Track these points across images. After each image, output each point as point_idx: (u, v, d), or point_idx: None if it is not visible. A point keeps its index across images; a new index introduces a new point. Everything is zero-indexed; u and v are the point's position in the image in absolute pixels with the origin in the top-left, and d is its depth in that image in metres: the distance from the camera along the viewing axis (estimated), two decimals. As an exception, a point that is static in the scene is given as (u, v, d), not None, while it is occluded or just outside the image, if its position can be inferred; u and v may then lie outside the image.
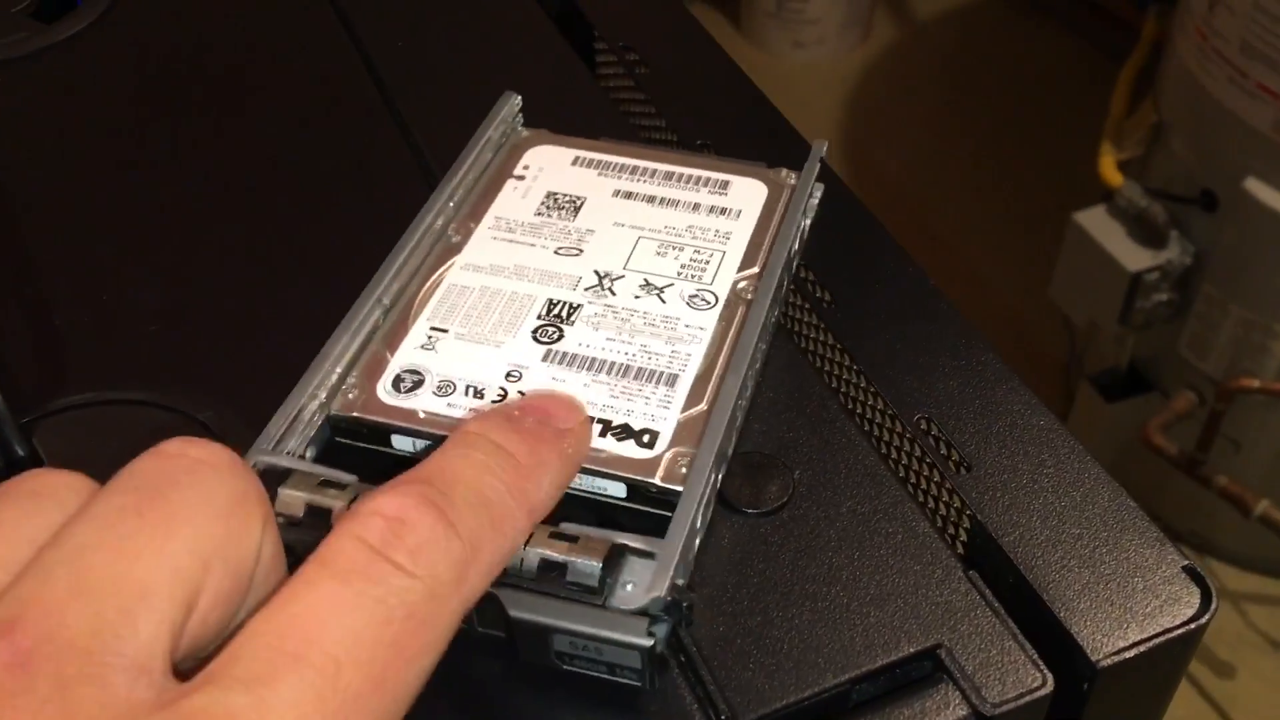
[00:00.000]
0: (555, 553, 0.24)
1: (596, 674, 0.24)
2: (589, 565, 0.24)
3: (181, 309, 0.33)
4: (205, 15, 0.43)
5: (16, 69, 0.40)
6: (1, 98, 0.39)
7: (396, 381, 0.28)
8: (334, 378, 0.29)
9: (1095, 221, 0.98)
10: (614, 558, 0.24)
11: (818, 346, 0.33)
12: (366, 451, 0.28)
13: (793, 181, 0.33)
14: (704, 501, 0.26)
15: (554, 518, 0.24)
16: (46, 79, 0.40)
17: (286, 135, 0.38)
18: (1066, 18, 1.57)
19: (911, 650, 0.26)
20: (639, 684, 0.24)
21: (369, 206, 0.36)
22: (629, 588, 0.24)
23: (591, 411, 0.27)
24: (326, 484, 0.25)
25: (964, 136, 1.49)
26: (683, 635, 0.26)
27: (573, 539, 0.24)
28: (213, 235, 0.35)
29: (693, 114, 0.39)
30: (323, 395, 0.28)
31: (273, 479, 0.26)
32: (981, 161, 1.45)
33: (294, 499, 0.25)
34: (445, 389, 0.28)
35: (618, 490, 0.27)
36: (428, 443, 0.28)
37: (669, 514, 0.25)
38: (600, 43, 0.42)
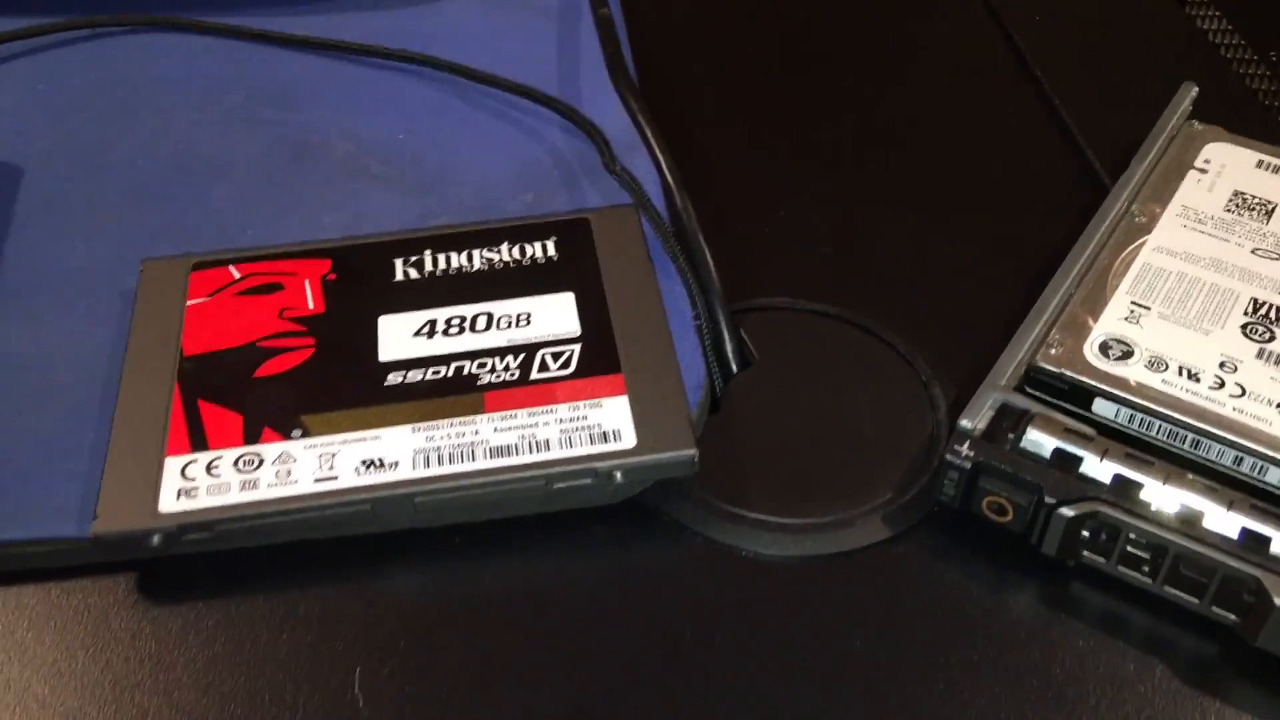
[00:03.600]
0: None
1: (1346, 684, 0.24)
2: (1370, 573, 0.23)
3: (851, 237, 0.34)
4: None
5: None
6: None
7: (1104, 347, 0.29)
8: (1033, 334, 0.29)
9: None
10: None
11: None
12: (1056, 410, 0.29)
13: None
14: None
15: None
16: None
17: (942, 102, 0.39)
18: None
19: None
20: (1396, 705, 0.23)
21: (1023, 179, 0.36)
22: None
23: (1317, 419, 0.27)
24: (1070, 432, 0.26)
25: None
26: None
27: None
28: (882, 181, 0.36)
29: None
30: (1022, 352, 0.29)
31: (1007, 417, 0.26)
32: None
33: (1043, 441, 0.26)
34: (1157, 365, 0.28)
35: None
36: (1132, 413, 0.28)
37: None
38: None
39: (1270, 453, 0.26)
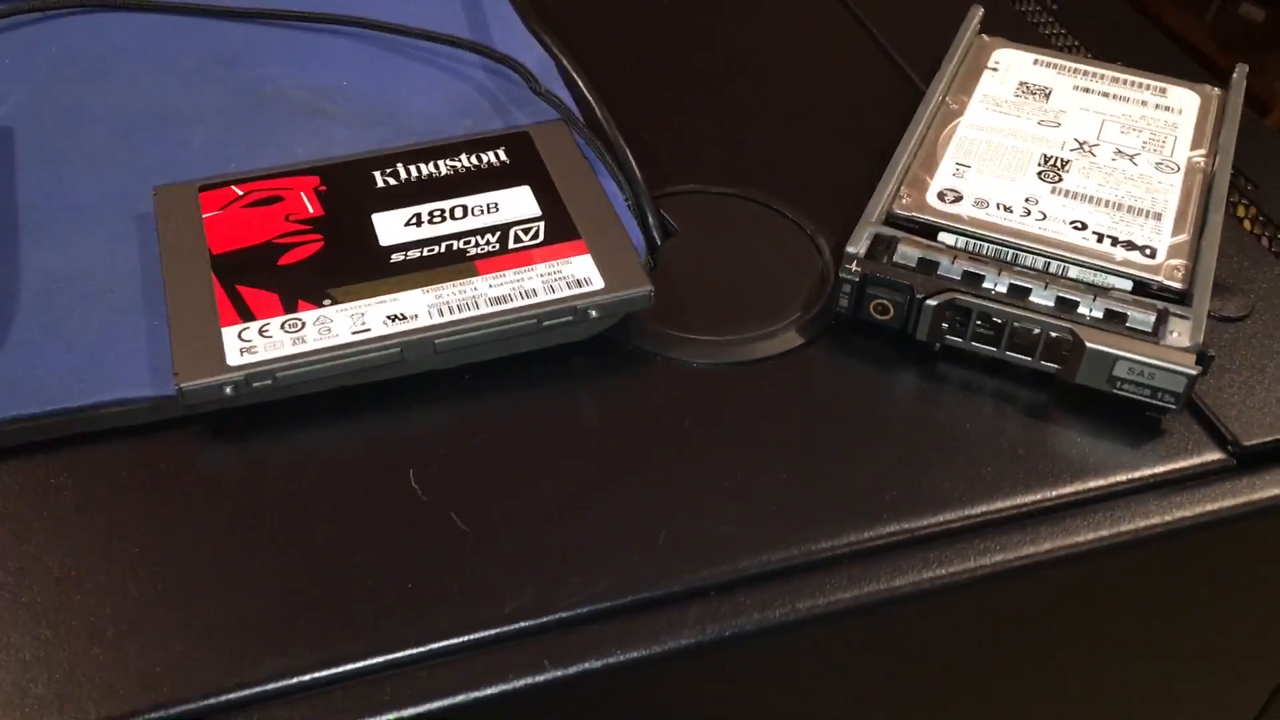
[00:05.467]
0: (1118, 305, 0.32)
1: (1138, 397, 0.32)
2: (1145, 316, 0.32)
3: (732, 138, 0.42)
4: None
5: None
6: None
7: (940, 195, 0.37)
8: (888, 190, 0.37)
9: None
10: (1162, 316, 0.32)
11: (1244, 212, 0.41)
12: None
13: (1218, 93, 0.42)
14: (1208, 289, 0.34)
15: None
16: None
17: (787, 36, 0.47)
18: None
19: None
20: (1173, 406, 0.32)
21: (856, 86, 0.45)
22: (1174, 335, 0.32)
23: (1100, 230, 0.36)
24: (929, 246, 0.34)
25: None
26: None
27: (1127, 302, 0.33)
28: (748, 98, 0.44)
29: (1102, 43, 0.47)
30: (882, 202, 0.37)
31: (880, 244, 0.34)
32: None
33: (910, 253, 0.34)
34: (980, 204, 0.37)
35: (1124, 285, 0.35)
36: (967, 240, 0.36)
37: (1166, 304, 0.34)
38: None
39: (1068, 255, 0.35)
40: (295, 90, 0.41)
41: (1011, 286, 0.34)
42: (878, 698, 0.33)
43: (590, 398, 0.33)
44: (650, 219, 0.37)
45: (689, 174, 0.40)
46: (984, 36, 0.45)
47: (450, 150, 0.38)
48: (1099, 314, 0.33)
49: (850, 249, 0.35)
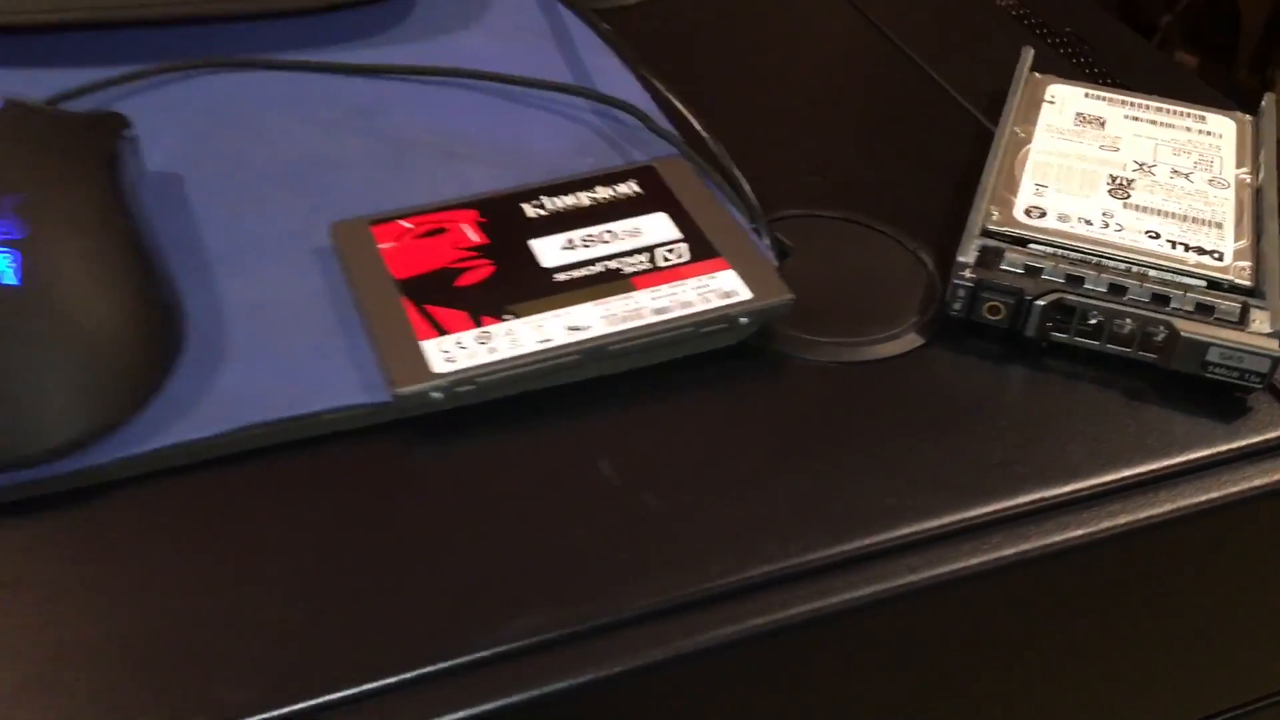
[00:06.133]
0: (1206, 299, 0.37)
1: (1227, 379, 0.37)
2: (1232, 306, 0.37)
3: (828, 169, 0.46)
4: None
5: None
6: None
7: (1027, 211, 0.42)
8: (981, 209, 0.42)
9: None
10: (1244, 308, 0.37)
11: None
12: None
13: (1249, 119, 0.47)
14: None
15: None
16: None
17: (854, 82, 0.52)
18: None
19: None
20: (1259, 385, 0.37)
21: (924, 122, 0.50)
22: (1256, 323, 0.37)
23: (1171, 238, 0.40)
24: (1031, 254, 0.39)
25: None
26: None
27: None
28: (834, 126, 0.49)
29: (1135, 78, 0.52)
30: (979, 218, 0.42)
31: (986, 254, 0.39)
32: None
33: (1017, 260, 0.38)
34: (1064, 218, 0.41)
35: (1200, 284, 0.39)
36: (1056, 249, 0.41)
37: (1239, 303, 0.38)
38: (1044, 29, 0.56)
39: (1148, 260, 0.40)
40: (428, 136, 0.45)
41: (1110, 285, 0.38)
42: (1028, 650, 0.37)
43: (745, 394, 0.37)
44: (770, 239, 0.41)
45: (790, 200, 0.44)
46: (1036, 75, 0.50)
47: (585, 184, 0.41)
48: (1189, 307, 0.38)
49: (962, 259, 0.39)
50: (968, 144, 0.48)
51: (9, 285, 0.30)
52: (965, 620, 0.35)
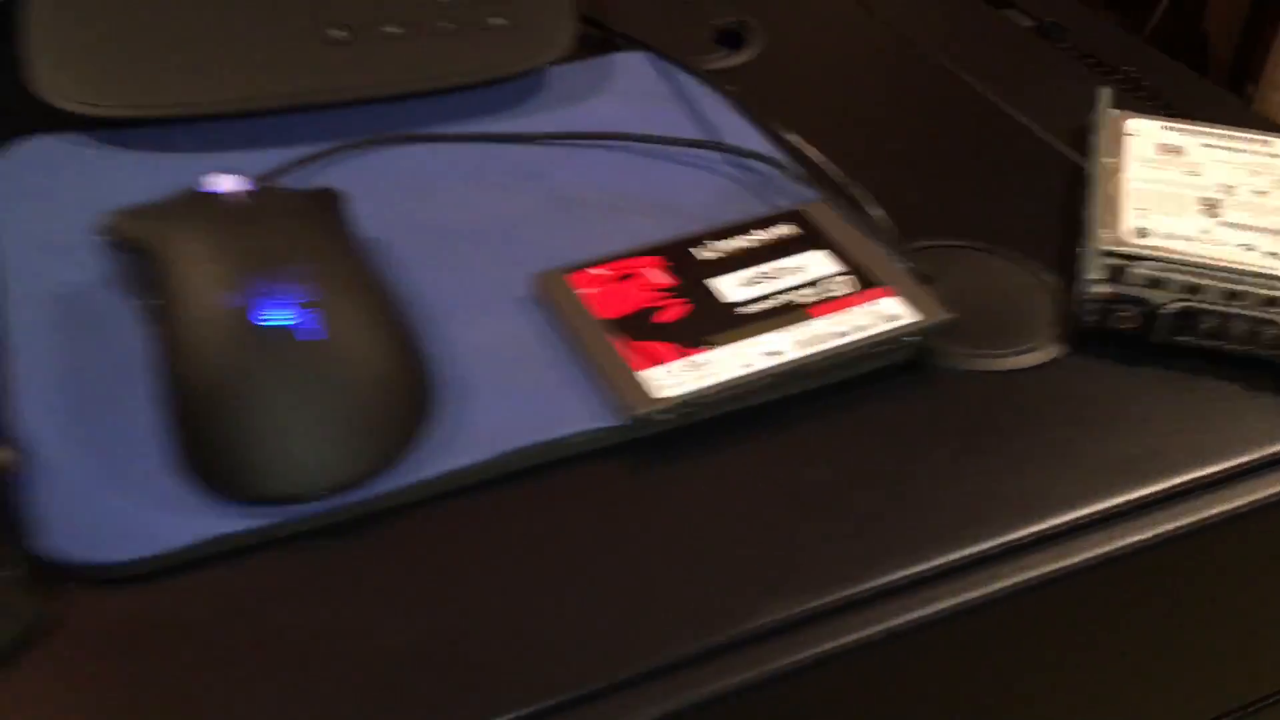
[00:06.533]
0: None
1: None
2: (1333, 304, 0.42)
3: (940, 200, 0.52)
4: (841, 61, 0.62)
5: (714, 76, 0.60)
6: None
7: (1140, 233, 0.47)
8: (1094, 231, 0.47)
9: None
10: (1337, 307, 0.43)
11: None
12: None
13: (1312, 141, 0.53)
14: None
15: None
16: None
17: (949, 124, 0.58)
18: None
19: None
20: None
21: (1017, 159, 0.55)
22: (1354, 318, 0.42)
23: (1266, 250, 0.46)
24: (1151, 267, 0.44)
25: None
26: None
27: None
28: (941, 167, 0.54)
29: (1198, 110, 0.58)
30: (1095, 240, 0.47)
31: (1110, 270, 0.44)
32: None
33: (1141, 273, 0.44)
34: (1169, 236, 0.47)
35: (1296, 290, 0.45)
36: (1165, 263, 0.46)
37: None
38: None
39: (1252, 269, 0.45)
40: (591, 194, 0.50)
41: (1228, 292, 0.43)
42: (1129, 645, 0.42)
43: (919, 402, 0.42)
44: (912, 267, 0.46)
45: (915, 232, 0.49)
46: (1115, 111, 0.55)
47: (741, 229, 0.47)
48: (1296, 307, 0.43)
49: (1092, 276, 0.44)
50: (1055, 175, 0.53)
51: (320, 340, 0.35)
52: (1084, 612, 0.40)
